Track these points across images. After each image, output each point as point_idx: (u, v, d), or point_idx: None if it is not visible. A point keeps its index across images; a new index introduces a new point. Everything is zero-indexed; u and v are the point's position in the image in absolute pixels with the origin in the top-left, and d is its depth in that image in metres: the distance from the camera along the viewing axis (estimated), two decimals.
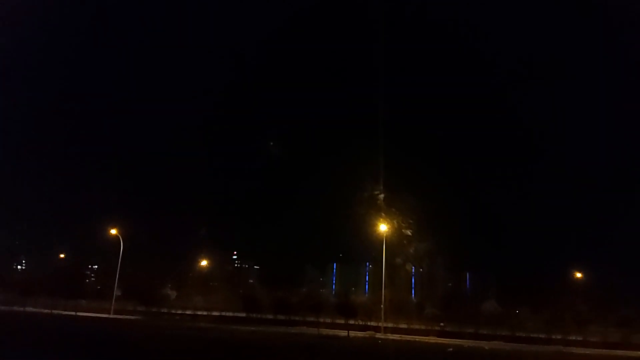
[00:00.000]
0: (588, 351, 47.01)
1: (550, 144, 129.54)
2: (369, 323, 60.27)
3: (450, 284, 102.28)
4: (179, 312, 72.40)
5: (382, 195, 71.04)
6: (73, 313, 66.63)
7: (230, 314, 68.28)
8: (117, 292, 71.11)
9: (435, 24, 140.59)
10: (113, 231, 71.38)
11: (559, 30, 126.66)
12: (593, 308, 61.47)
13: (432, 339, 52.18)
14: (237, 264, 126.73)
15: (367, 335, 52.64)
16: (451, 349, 40.87)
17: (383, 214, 66.84)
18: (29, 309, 69.25)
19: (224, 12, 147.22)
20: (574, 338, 54.77)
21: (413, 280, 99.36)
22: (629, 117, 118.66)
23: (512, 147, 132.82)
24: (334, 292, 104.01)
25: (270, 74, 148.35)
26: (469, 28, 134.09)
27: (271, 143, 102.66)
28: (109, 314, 67.30)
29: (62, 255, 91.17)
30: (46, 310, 68.83)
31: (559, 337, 54.73)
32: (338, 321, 61.21)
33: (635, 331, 56.15)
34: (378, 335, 53.70)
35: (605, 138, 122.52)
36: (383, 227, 61.32)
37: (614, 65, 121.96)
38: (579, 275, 69.82)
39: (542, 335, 55.57)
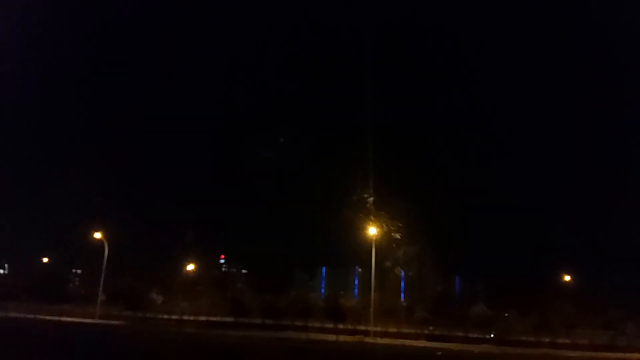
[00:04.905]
0: (576, 354, 47.27)
1: (536, 148, 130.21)
2: (358, 327, 60.02)
3: (439, 288, 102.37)
4: (165, 317, 71.49)
5: (371, 199, 70.92)
6: (57, 318, 65.37)
7: (218, 318, 67.60)
8: (101, 296, 69.98)
9: (425, 29, 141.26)
10: (97, 235, 70.20)
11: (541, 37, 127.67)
12: (580, 311, 61.94)
13: (422, 343, 52.08)
14: (225, 267, 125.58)
15: (356, 340, 52.34)
16: (440, 353, 40.78)
17: (372, 217, 66.69)
18: (12, 314, 67.85)
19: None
20: (562, 341, 55.17)
21: (402, 284, 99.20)
22: (619, 120, 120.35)
23: (499, 151, 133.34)
24: (322, 296, 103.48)
25: (256, 72, 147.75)
26: (454, 37, 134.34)
27: (259, 146, 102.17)
28: (94, 319, 66.15)
29: (45, 259, 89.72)
30: (29, 316, 67.57)
31: (547, 340, 55.06)
32: (327, 325, 60.94)
33: (622, 333, 56.71)
34: (367, 339, 53.35)
35: (591, 142, 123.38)
36: (372, 231, 61.09)
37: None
38: (566, 278, 70.29)
39: (530, 339, 55.86)
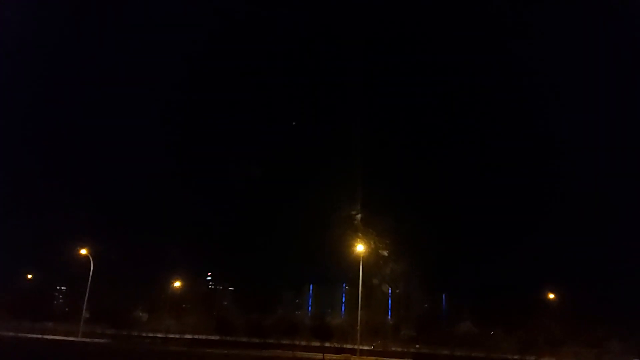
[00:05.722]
0: None
1: (520, 166, 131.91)
2: (344, 345, 59.74)
3: (426, 305, 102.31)
4: (150, 335, 70.61)
5: (358, 216, 71.16)
6: (39, 336, 64.42)
7: (204, 336, 66.92)
8: (85, 314, 68.96)
9: (416, 47, 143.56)
10: (83, 251, 69.38)
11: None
12: (566, 329, 62.16)
13: None
14: (211, 285, 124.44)
15: (343, 358, 52.19)
16: None
17: (360, 235, 66.75)
18: None
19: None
20: (547, 359, 55.28)
21: (389, 302, 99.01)
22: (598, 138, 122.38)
23: (484, 170, 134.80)
24: (309, 314, 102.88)
25: (247, 94, 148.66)
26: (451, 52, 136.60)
27: (247, 164, 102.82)
28: (77, 337, 65.13)
29: (29, 276, 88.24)
30: (11, 333, 66.47)
31: (532, 358, 55.17)
32: (313, 344, 60.61)
33: (608, 351, 57.02)
34: (354, 358, 53.16)
35: (573, 162, 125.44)
36: (360, 248, 61.09)
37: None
38: (551, 296, 70.67)
39: (516, 357, 55.97)
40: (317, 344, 59.94)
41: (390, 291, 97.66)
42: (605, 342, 60.86)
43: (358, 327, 57.20)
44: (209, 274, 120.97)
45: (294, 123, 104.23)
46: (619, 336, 62.76)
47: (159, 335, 70.05)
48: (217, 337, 65.21)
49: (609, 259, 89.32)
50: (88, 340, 62.71)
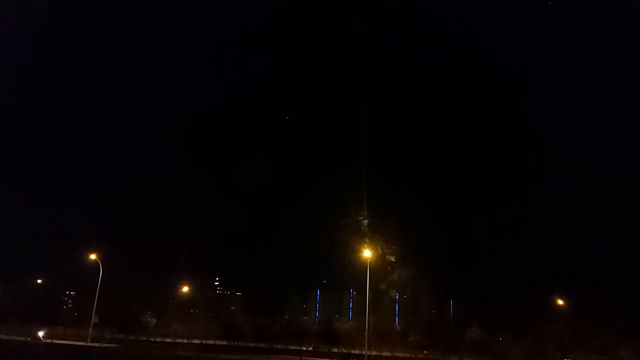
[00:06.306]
0: None
1: (529, 172, 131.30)
2: (352, 351, 59.65)
3: (433, 311, 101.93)
4: (159, 340, 70.82)
5: (366, 222, 71.04)
6: (49, 340, 64.78)
7: (211, 341, 67.10)
8: (94, 319, 69.21)
9: (424, 48, 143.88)
10: (92, 256, 69.73)
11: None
12: (574, 336, 61.66)
13: None
14: (219, 290, 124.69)
15: None
16: None
17: (367, 240, 66.64)
18: (2, 336, 67.15)
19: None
20: None
21: (397, 307, 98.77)
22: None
23: (492, 176, 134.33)
24: (317, 320, 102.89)
25: (253, 98, 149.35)
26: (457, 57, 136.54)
27: (254, 170, 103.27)
28: (86, 341, 65.44)
29: (39, 281, 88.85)
30: (20, 338, 66.90)
31: None
32: (321, 349, 60.56)
33: (617, 358, 56.49)
34: None
35: (582, 164, 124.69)
36: (367, 253, 60.98)
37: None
38: (560, 302, 70.17)
39: None
40: (325, 349, 59.92)
41: (397, 297, 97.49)
42: (615, 349, 60.32)
43: (366, 333, 57.12)
44: (217, 279, 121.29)
45: (287, 117, 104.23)
46: (629, 343, 62.20)
47: (167, 340, 70.28)
48: (224, 342, 65.37)
49: (619, 265, 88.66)
50: (97, 345, 62.97)
